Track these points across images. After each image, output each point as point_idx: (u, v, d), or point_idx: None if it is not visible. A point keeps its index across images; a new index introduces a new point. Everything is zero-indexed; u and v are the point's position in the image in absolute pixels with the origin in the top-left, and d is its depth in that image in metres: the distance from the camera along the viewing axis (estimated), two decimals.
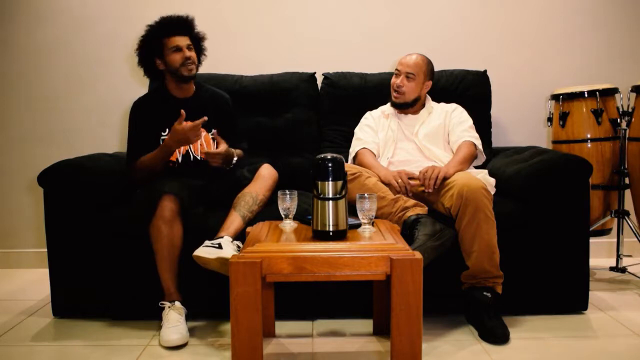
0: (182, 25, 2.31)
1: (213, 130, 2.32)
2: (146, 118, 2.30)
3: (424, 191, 2.19)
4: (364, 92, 2.77)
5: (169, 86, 2.35)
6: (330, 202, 1.65)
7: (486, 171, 2.37)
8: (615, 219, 2.69)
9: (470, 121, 2.49)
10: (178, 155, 2.31)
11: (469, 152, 2.36)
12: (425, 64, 2.48)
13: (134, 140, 2.30)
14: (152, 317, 2.09)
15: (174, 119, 2.16)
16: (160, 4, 2.93)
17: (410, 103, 2.48)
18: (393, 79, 2.50)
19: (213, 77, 2.72)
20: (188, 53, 2.28)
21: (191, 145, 2.31)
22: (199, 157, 2.32)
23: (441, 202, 2.12)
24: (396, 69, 2.49)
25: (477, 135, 2.46)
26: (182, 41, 2.28)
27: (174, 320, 1.97)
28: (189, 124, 2.14)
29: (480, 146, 2.43)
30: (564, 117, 2.67)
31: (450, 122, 2.48)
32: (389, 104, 2.60)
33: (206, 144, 2.34)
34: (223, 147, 2.23)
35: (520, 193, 2.19)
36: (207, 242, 1.95)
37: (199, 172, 2.30)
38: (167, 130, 2.28)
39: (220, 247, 1.91)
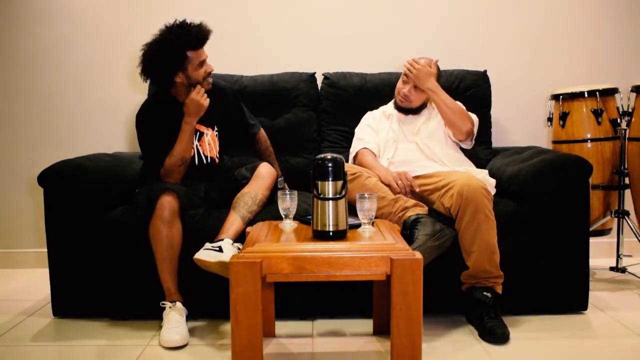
0: (206, 36, 2.15)
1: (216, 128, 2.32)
2: (156, 125, 2.20)
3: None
4: (364, 92, 2.76)
5: (175, 93, 2.23)
6: (330, 202, 1.65)
7: (486, 171, 2.37)
8: (615, 219, 2.69)
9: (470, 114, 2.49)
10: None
11: (462, 108, 2.42)
12: (434, 69, 2.43)
13: (154, 146, 2.19)
14: (152, 317, 2.09)
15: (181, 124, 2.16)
16: (161, 5, 2.93)
17: (416, 109, 2.48)
18: (400, 84, 2.47)
19: (213, 77, 2.71)
20: (210, 67, 2.21)
21: (200, 147, 2.28)
22: (206, 160, 2.31)
23: (441, 202, 2.12)
24: (404, 74, 2.45)
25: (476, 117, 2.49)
26: (204, 54, 2.18)
27: (175, 320, 1.97)
28: (192, 94, 2.15)
29: (476, 124, 2.45)
30: (564, 117, 2.67)
31: None
32: (389, 104, 2.59)
33: (212, 142, 2.34)
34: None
35: (520, 193, 2.19)
36: (207, 245, 1.94)
37: (200, 175, 2.29)
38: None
39: (220, 250, 1.90)
